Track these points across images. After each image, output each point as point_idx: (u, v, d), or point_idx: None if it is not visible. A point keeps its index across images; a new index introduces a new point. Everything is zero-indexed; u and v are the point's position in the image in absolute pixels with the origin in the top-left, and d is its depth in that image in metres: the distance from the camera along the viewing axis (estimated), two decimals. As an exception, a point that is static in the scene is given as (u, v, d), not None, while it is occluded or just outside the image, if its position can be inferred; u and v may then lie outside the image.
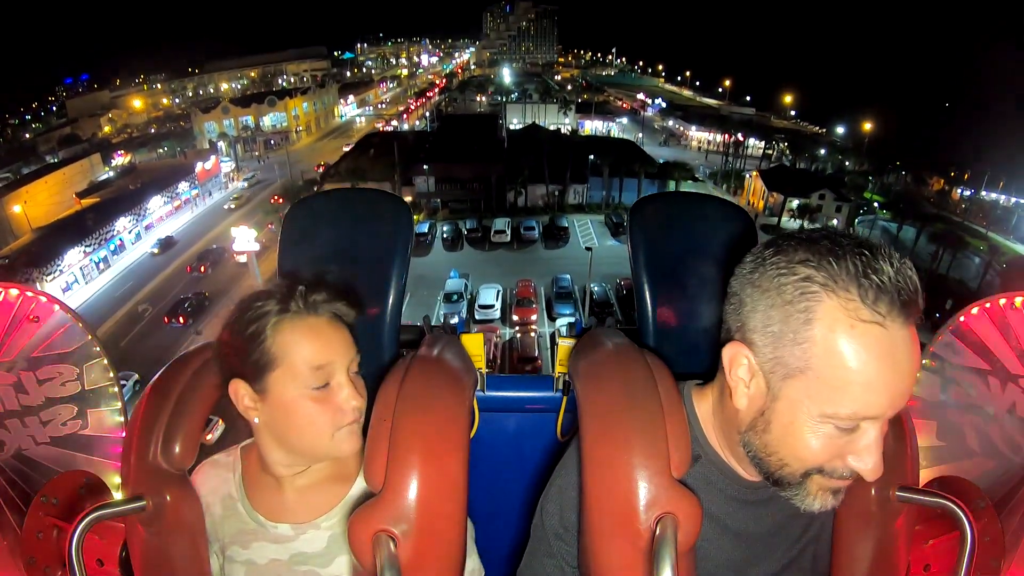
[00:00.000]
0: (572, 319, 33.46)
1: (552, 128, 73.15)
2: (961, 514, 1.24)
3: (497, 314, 36.67)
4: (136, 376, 29.23)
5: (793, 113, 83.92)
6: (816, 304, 1.04)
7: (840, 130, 67.52)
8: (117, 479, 1.86)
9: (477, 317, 36.21)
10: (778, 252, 1.10)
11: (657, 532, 1.14)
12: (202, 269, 41.38)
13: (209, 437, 1.66)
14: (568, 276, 40.17)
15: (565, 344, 2.00)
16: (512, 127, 75.67)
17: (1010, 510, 1.66)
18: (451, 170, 55.71)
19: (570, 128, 79.71)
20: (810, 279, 1.04)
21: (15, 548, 1.52)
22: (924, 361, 2.01)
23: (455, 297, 37.69)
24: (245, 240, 39.15)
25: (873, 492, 1.32)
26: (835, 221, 52.00)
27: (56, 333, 1.92)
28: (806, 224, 47.22)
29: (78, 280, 42.46)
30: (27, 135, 79.79)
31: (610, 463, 1.23)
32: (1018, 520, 1.61)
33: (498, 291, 38.01)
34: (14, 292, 1.88)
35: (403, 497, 1.21)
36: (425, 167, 55.42)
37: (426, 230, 49.94)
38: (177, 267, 45.38)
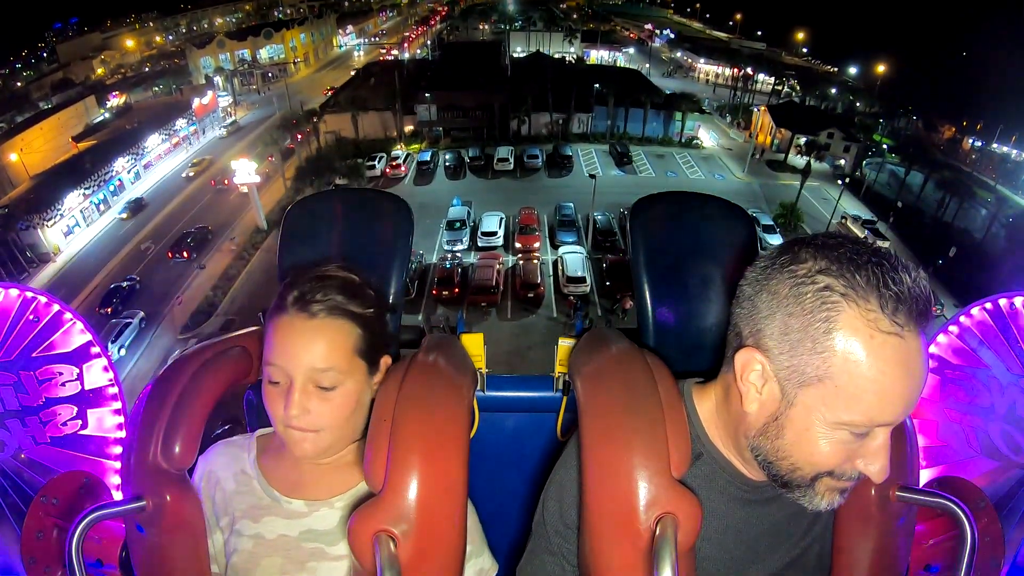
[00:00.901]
0: (575, 247, 33.78)
1: (557, 57, 72.42)
2: (961, 514, 1.25)
3: (500, 241, 36.92)
4: (141, 314, 29.59)
5: (805, 51, 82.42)
6: (837, 314, 1.04)
7: (852, 71, 66.24)
8: (117, 479, 1.87)
9: (480, 244, 36.54)
10: (795, 259, 1.10)
11: (657, 532, 1.14)
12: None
13: None
14: (571, 204, 40.19)
15: (565, 344, 1.99)
16: (516, 55, 74.88)
17: (1010, 510, 1.67)
18: (453, 98, 55.33)
19: (575, 57, 78.92)
20: (830, 288, 1.05)
21: (15, 548, 1.53)
22: None
23: (458, 224, 37.85)
24: (245, 172, 39.06)
25: (873, 492, 1.32)
26: (843, 161, 51.76)
27: (56, 333, 1.92)
28: (812, 161, 46.71)
29: (79, 223, 42.38)
30: (18, 83, 78.32)
31: (610, 463, 1.23)
32: (1018, 520, 1.62)
33: (501, 218, 38.16)
34: (14, 292, 1.88)
35: (403, 497, 1.21)
36: (427, 95, 54.90)
37: (428, 158, 49.95)
38: (174, 207, 45.51)
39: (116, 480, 1.91)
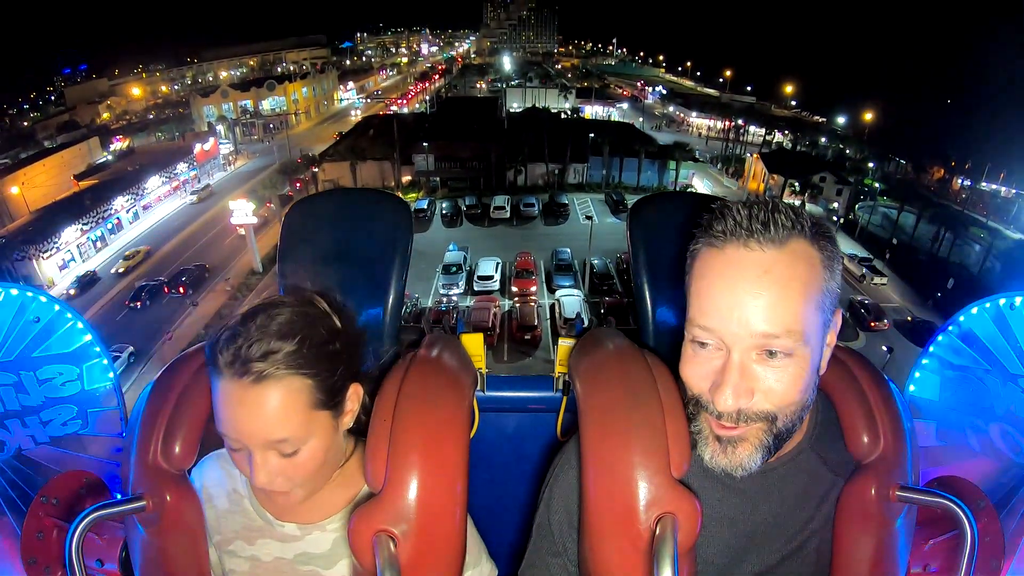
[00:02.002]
0: (572, 290, 33.52)
1: (553, 111, 73.23)
2: (961, 514, 1.24)
3: (496, 285, 36.84)
4: (130, 348, 29.55)
5: (794, 103, 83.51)
6: (694, 248, 1.27)
7: (841, 120, 67.09)
8: (117, 479, 1.86)
9: (476, 288, 36.47)
10: None
11: (657, 532, 1.14)
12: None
13: None
14: (568, 249, 40.29)
15: (565, 344, 1.99)
16: (512, 110, 75.83)
17: (1010, 510, 1.66)
18: (450, 148, 55.86)
19: (570, 111, 79.78)
20: (696, 234, 1.27)
21: (15, 548, 1.52)
22: (924, 361, 2.02)
23: (453, 269, 37.79)
24: (243, 213, 39.33)
25: (873, 492, 1.31)
26: (836, 204, 52.27)
27: (56, 333, 1.91)
28: (807, 201, 47.15)
29: (75, 258, 42.62)
30: (25, 123, 79.51)
31: (610, 463, 1.23)
32: (1018, 520, 1.61)
33: (497, 263, 38.14)
34: (14, 292, 1.87)
35: (403, 497, 1.22)
36: (424, 144, 55.43)
37: (425, 206, 50.16)
38: (171, 248, 45.62)
39: (116, 480, 1.89)
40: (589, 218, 43.74)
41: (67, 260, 41.92)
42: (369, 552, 1.20)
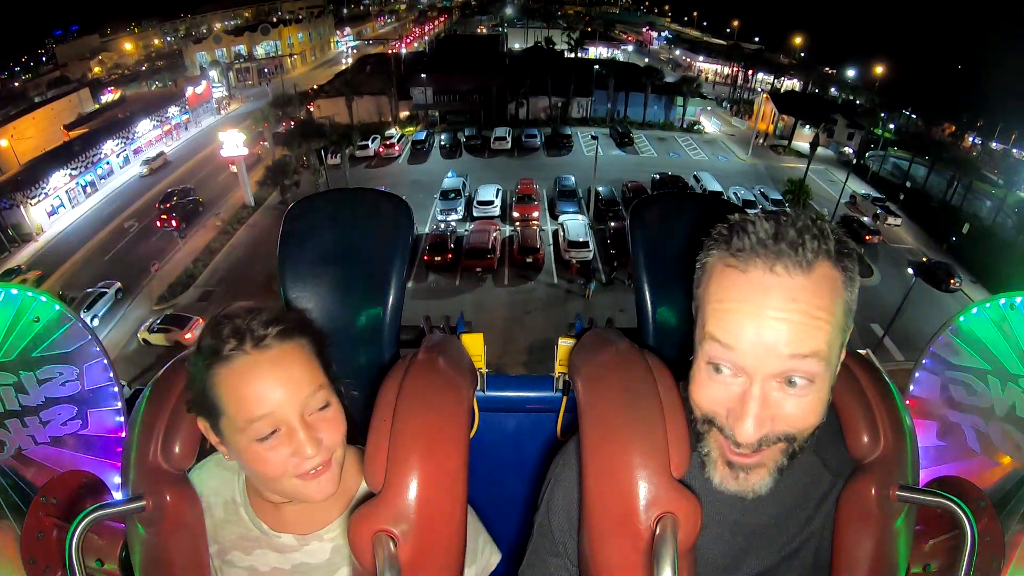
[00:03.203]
0: (577, 215, 33.18)
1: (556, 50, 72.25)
2: (961, 514, 1.24)
3: (497, 211, 36.41)
4: (118, 284, 29.76)
5: (803, 54, 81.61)
6: (708, 260, 1.21)
7: (851, 73, 65.68)
8: (117, 479, 1.87)
9: (475, 214, 36.09)
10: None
11: (657, 532, 1.14)
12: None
13: (188, 336, 1.64)
14: (572, 176, 39.96)
15: (565, 344, 2.00)
16: (514, 50, 74.84)
17: (1010, 510, 1.67)
18: (450, 81, 55.46)
19: (575, 51, 78.60)
20: (709, 244, 1.22)
21: (15, 548, 1.52)
22: (925, 361, 2.02)
23: (452, 195, 37.36)
24: (233, 145, 39.09)
25: (873, 492, 1.31)
26: (847, 149, 52.08)
27: (56, 333, 1.91)
28: (819, 143, 46.55)
29: (64, 204, 42.43)
30: (16, 83, 78.49)
31: (610, 463, 1.23)
32: (1018, 520, 1.62)
33: (498, 189, 37.76)
34: (14, 292, 1.86)
35: (403, 497, 1.21)
36: (423, 76, 55.09)
37: (423, 138, 50.09)
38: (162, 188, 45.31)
39: (116, 480, 1.90)
40: (595, 138, 43.24)
41: (56, 207, 41.70)
42: (369, 552, 1.19)
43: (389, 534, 1.20)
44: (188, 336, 25.61)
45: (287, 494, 1.36)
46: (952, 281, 31.32)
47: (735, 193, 40.09)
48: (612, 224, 33.68)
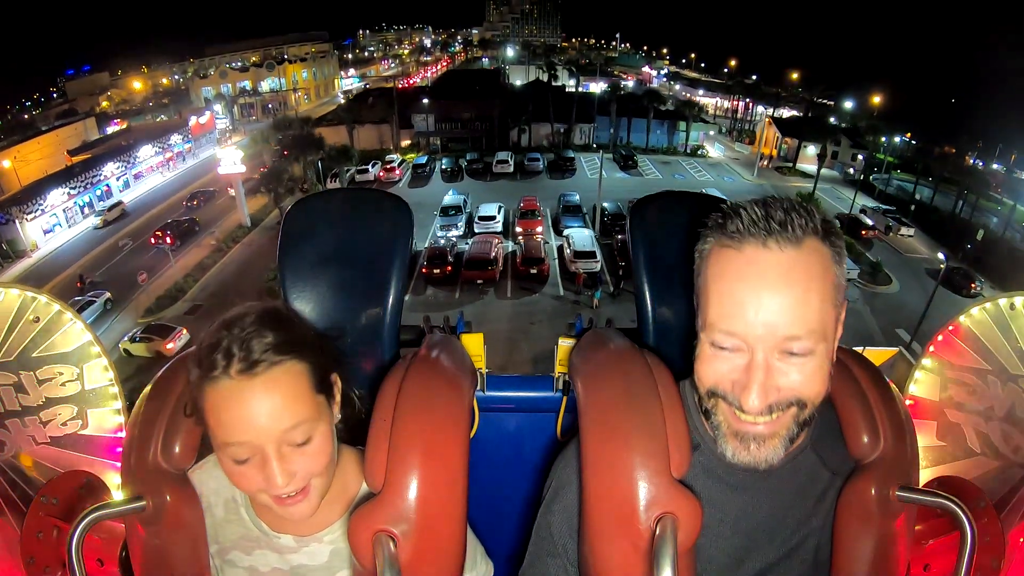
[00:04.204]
0: (583, 229, 32.41)
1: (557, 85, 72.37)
2: (961, 514, 1.24)
3: (499, 227, 35.77)
4: (107, 295, 29.79)
5: (800, 89, 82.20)
6: (706, 248, 1.26)
7: (848, 104, 65.98)
8: (117, 479, 1.86)
9: (477, 230, 35.30)
10: None
11: (657, 532, 1.14)
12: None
13: (170, 346, 1.61)
14: (576, 193, 39.53)
15: (565, 344, 2.00)
16: (515, 85, 74.97)
17: (1010, 510, 1.67)
18: (451, 108, 55.73)
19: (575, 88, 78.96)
20: (707, 226, 1.27)
21: (15, 548, 1.52)
22: (925, 361, 2.02)
23: (452, 211, 36.81)
24: (231, 162, 39.13)
25: (873, 492, 1.31)
26: (852, 170, 52.40)
27: (56, 333, 1.92)
28: (825, 165, 47.12)
29: (60, 223, 42.35)
30: (25, 116, 79.33)
31: (610, 463, 1.23)
32: (1018, 520, 1.62)
33: (500, 206, 37.28)
34: (14, 292, 1.87)
35: (403, 497, 1.22)
36: (424, 102, 55.32)
37: (424, 162, 50.03)
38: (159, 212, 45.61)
39: (116, 480, 1.90)
40: (599, 147, 42.90)
41: (52, 224, 41.64)
42: (369, 552, 1.20)
43: (389, 534, 1.20)
44: (170, 346, 25.44)
45: (266, 506, 1.34)
46: (972, 285, 31.49)
47: (746, 208, 40.24)
48: (620, 237, 33.00)
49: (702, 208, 1.42)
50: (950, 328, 1.97)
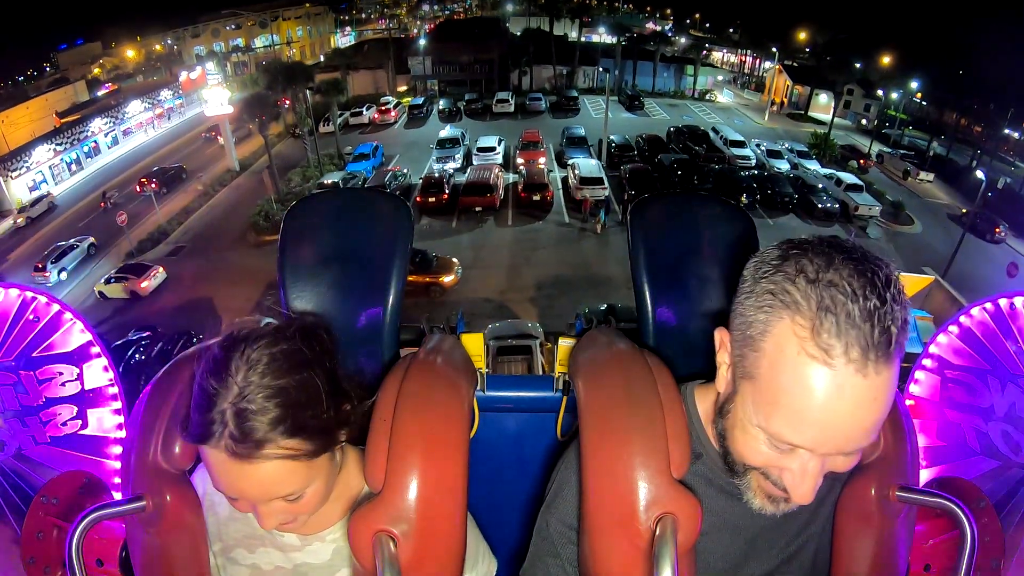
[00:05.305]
0: (589, 159, 31.21)
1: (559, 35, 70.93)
2: (961, 514, 1.24)
3: (499, 159, 34.52)
4: (91, 239, 29.50)
5: (808, 50, 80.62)
6: (775, 321, 1.02)
7: (857, 65, 64.89)
8: (117, 479, 1.87)
9: (475, 161, 34.03)
10: (780, 252, 1.06)
11: (657, 532, 1.14)
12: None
13: (144, 284, 1.58)
14: (581, 127, 38.67)
15: (565, 344, 1.99)
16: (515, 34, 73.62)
17: (1010, 510, 1.67)
18: (449, 50, 54.75)
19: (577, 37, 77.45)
20: (775, 293, 1.02)
21: (15, 548, 1.53)
22: (925, 361, 2.01)
23: (449, 144, 35.65)
24: (217, 103, 38.63)
25: (873, 492, 1.31)
26: (864, 120, 51.78)
27: (56, 333, 1.92)
28: (836, 115, 46.47)
29: (47, 180, 41.31)
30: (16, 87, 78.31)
31: (610, 463, 1.23)
32: (1018, 520, 1.62)
33: (500, 139, 36.30)
34: (14, 292, 1.87)
35: (403, 497, 1.21)
36: (421, 44, 54.78)
37: (421, 103, 49.04)
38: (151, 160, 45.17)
39: (116, 480, 1.91)
40: (606, 70, 42.01)
41: (38, 181, 40.66)
42: (369, 552, 1.19)
43: (389, 534, 1.19)
44: (144, 284, 24.72)
45: None
46: (997, 230, 30.89)
47: (758, 145, 39.84)
48: (629, 166, 31.89)
49: (703, 209, 1.39)
50: (950, 328, 1.97)
